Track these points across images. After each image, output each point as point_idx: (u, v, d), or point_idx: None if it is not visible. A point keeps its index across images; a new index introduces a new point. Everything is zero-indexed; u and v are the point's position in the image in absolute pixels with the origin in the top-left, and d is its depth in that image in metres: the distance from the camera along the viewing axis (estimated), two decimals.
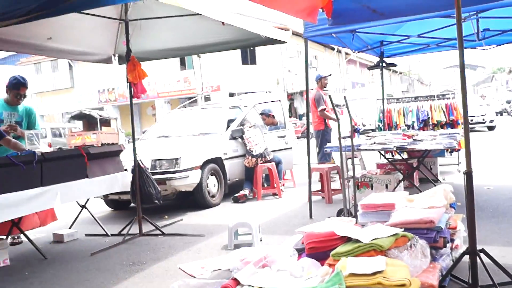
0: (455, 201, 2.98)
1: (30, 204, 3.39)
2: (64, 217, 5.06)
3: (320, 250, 2.69)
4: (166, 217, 5.36)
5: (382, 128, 7.14)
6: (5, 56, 27.63)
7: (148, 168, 5.11)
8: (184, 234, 4.38)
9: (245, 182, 6.34)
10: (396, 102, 7.26)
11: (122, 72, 4.57)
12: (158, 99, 24.33)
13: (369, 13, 3.71)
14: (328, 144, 6.02)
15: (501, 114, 28.35)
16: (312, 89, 7.27)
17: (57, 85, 27.46)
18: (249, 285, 2.42)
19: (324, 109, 6.72)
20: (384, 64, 6.88)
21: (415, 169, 5.33)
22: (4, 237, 4.02)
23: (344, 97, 3.99)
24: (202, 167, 5.68)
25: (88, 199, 4.63)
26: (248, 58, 23.93)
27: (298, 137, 17.76)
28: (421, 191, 3.20)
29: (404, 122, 6.95)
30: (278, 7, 3.16)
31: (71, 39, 4.59)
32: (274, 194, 6.33)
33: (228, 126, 6.47)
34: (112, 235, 4.51)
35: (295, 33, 20.46)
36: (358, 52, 6.53)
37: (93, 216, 4.73)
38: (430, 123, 6.77)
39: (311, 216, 4.72)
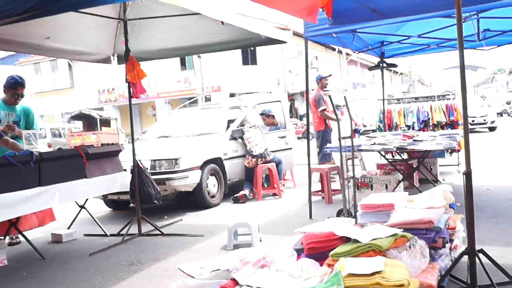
0: (454, 201, 2.98)
1: (28, 204, 3.37)
2: (63, 217, 5.06)
3: (319, 250, 2.69)
4: (166, 217, 5.35)
5: (383, 128, 7.13)
6: (4, 56, 27.63)
7: (147, 168, 5.10)
8: (183, 234, 4.37)
9: (245, 183, 6.33)
10: (397, 103, 7.25)
11: (122, 72, 4.56)
12: (158, 99, 24.34)
13: (369, 13, 3.70)
14: (328, 145, 6.02)
15: (501, 115, 28.35)
16: (312, 90, 7.27)
17: (56, 85, 27.45)
18: (248, 285, 2.42)
19: (325, 109, 6.71)
20: (384, 65, 6.87)
21: (415, 170, 5.32)
22: (2, 237, 4.01)
23: (344, 97, 3.98)
24: (202, 167, 5.67)
25: (87, 199, 4.62)
26: (249, 58, 23.92)
27: (298, 138, 17.76)
28: (421, 192, 3.20)
29: (405, 122, 6.95)
30: (277, 6, 3.15)
31: (70, 39, 4.58)
32: (274, 194, 6.32)
33: (228, 127, 6.46)
34: (111, 235, 4.50)
35: (296, 34, 20.50)
36: (359, 52, 6.52)
37: (92, 216, 4.72)
38: (430, 123, 6.76)
39: (311, 217, 4.71)
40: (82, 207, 4.72)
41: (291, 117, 22.43)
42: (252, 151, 6.27)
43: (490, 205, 4.61)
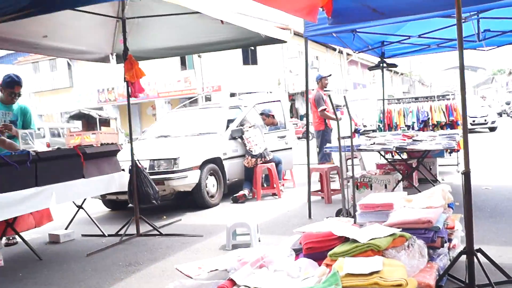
0: (453, 201, 2.97)
1: (24, 204, 3.35)
2: (61, 217, 5.04)
3: (317, 250, 2.68)
4: (165, 217, 5.33)
5: (382, 128, 7.12)
6: (2, 55, 27.59)
7: (146, 168, 5.09)
8: (182, 235, 4.35)
9: (245, 182, 6.31)
10: (397, 103, 7.24)
11: (122, 71, 4.54)
12: (158, 99, 24.31)
13: (369, 13, 3.68)
14: (328, 145, 6.00)
15: (501, 116, 28.36)
16: (313, 90, 7.25)
17: (55, 85, 27.40)
18: (245, 286, 2.40)
19: (325, 109, 6.70)
20: (384, 65, 6.86)
21: (414, 169, 5.31)
22: None
23: (344, 97, 3.96)
24: (201, 167, 5.65)
25: (84, 200, 4.60)
26: (249, 58, 23.90)
27: (299, 138, 17.73)
28: (420, 191, 3.19)
29: (404, 122, 6.93)
30: (277, 5, 3.14)
31: (68, 37, 4.56)
32: (274, 194, 6.30)
33: (227, 126, 6.44)
34: (109, 235, 4.48)
35: (296, 33, 20.49)
36: (359, 52, 6.51)
37: (89, 216, 4.70)
38: (430, 123, 6.75)
39: (310, 216, 4.69)
40: (80, 207, 4.70)
41: (291, 117, 22.43)
42: (251, 151, 6.26)
43: (489, 205, 4.60)
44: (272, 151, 6.50)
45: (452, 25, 5.02)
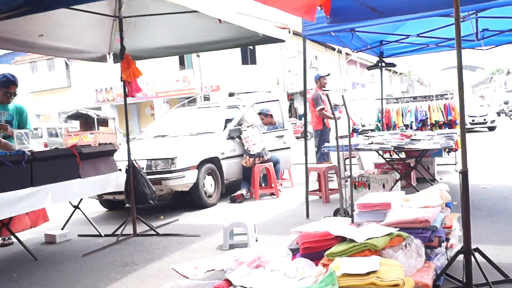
0: (451, 200, 2.96)
1: (19, 204, 3.32)
2: (57, 217, 5.01)
3: (314, 250, 2.67)
4: (162, 217, 5.31)
5: (381, 128, 7.11)
6: None
7: (143, 168, 5.07)
8: (179, 235, 4.33)
9: (243, 182, 6.29)
10: (395, 102, 7.23)
11: (119, 71, 4.51)
12: (156, 98, 24.29)
13: (367, 11, 3.67)
14: (326, 144, 5.98)
15: (499, 115, 28.38)
16: (311, 89, 7.23)
17: (53, 84, 27.33)
18: (241, 286, 2.38)
19: (323, 108, 6.68)
20: (383, 64, 6.84)
21: (412, 169, 5.30)
22: None
23: (342, 96, 3.95)
24: (199, 167, 5.63)
25: (81, 200, 4.57)
26: (248, 58, 23.88)
27: (297, 137, 17.72)
28: (418, 191, 3.17)
29: (403, 122, 6.92)
30: (275, 4, 3.11)
31: (64, 37, 4.54)
32: (272, 194, 6.28)
33: (225, 126, 6.42)
34: (105, 235, 4.45)
35: (295, 33, 20.44)
36: (358, 51, 6.49)
37: (86, 217, 4.67)
38: (428, 123, 6.74)
39: (308, 216, 4.67)
40: (76, 207, 4.67)
41: (290, 117, 22.40)
42: (249, 151, 6.24)
43: (486, 204, 4.59)
44: (270, 151, 6.48)
45: (450, 24, 5.01)
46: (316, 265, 2.50)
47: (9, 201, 3.25)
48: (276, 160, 6.45)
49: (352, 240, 2.43)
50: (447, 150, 6.46)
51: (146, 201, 4.50)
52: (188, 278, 3.05)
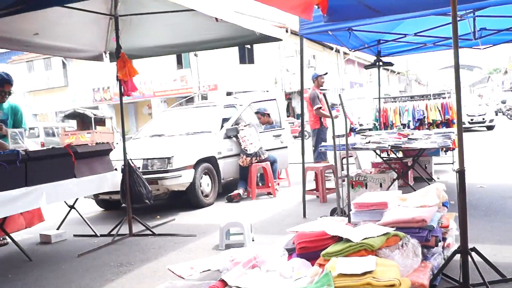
0: (447, 199, 2.95)
1: (13, 204, 3.29)
2: (53, 217, 4.98)
3: (311, 250, 2.65)
4: (158, 217, 5.28)
5: (378, 127, 7.09)
6: None
7: (139, 168, 5.04)
8: (175, 234, 4.31)
9: (240, 182, 6.27)
10: (393, 102, 7.23)
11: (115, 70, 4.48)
12: (154, 98, 24.22)
13: (365, 10, 3.65)
14: (323, 143, 5.96)
15: (496, 114, 28.44)
16: (309, 89, 7.22)
17: (50, 84, 27.20)
18: (237, 287, 2.36)
19: (320, 107, 6.67)
20: (381, 63, 6.83)
21: (409, 168, 5.29)
22: None
23: (339, 95, 3.92)
24: (195, 166, 5.61)
25: (76, 199, 4.54)
26: (246, 57, 23.84)
27: (295, 137, 17.71)
28: (415, 190, 3.16)
29: (400, 121, 6.91)
30: (272, 3, 3.10)
31: (60, 35, 4.49)
32: (269, 193, 6.26)
33: (222, 125, 6.39)
34: (101, 235, 4.42)
35: (293, 32, 20.41)
36: (355, 50, 6.48)
37: (81, 217, 4.64)
38: (426, 122, 6.73)
39: (304, 215, 4.66)
40: (71, 207, 4.64)
41: (288, 116, 22.39)
42: (246, 150, 6.21)
43: (483, 203, 4.59)
44: (267, 150, 6.46)
45: (448, 23, 5.00)
46: (312, 265, 2.48)
47: (3, 201, 3.21)
48: (273, 159, 6.43)
49: (348, 240, 2.41)
50: (444, 149, 6.46)
51: (142, 201, 4.48)
52: (183, 278, 3.01)
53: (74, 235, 4.61)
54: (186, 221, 5.00)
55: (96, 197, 5.48)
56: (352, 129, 7.68)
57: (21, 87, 27.08)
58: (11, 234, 3.98)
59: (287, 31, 21.37)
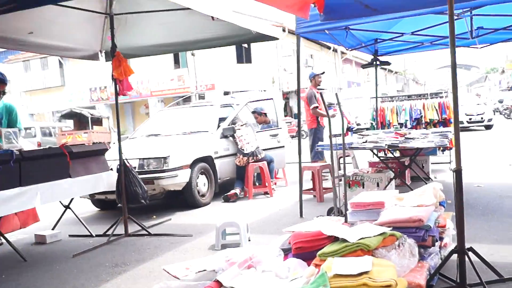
0: (444, 199, 2.94)
1: (7, 205, 3.27)
2: (48, 217, 4.94)
3: (307, 250, 2.63)
4: (154, 217, 5.25)
5: (375, 126, 7.09)
6: None
7: (135, 167, 5.01)
8: (171, 234, 4.28)
9: (236, 181, 6.25)
10: (390, 101, 7.22)
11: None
12: (151, 97, 24.14)
13: (361, 9, 3.64)
14: (320, 143, 5.95)
15: (494, 114, 28.51)
16: (306, 88, 7.20)
17: (47, 83, 27.05)
18: (232, 287, 2.34)
19: (317, 107, 6.65)
20: (378, 62, 6.82)
21: (406, 167, 5.29)
22: None
23: (336, 94, 3.91)
24: (192, 166, 5.58)
25: (72, 199, 4.51)
26: (243, 56, 23.80)
27: (292, 136, 17.68)
28: (412, 190, 3.14)
29: (397, 120, 6.91)
30: (268, 1, 3.07)
31: (54, 34, 4.45)
32: (266, 193, 6.24)
33: (219, 125, 6.37)
34: (96, 235, 4.39)
35: (291, 32, 20.39)
36: (352, 49, 6.46)
37: (77, 217, 4.61)
38: (423, 121, 6.73)
39: (301, 215, 4.64)
40: (67, 207, 4.60)
41: (285, 116, 22.37)
42: (243, 150, 6.19)
43: (481, 203, 4.58)
44: (264, 150, 6.44)
45: (445, 22, 4.99)
46: (308, 265, 2.46)
47: None
48: (270, 159, 6.41)
49: (344, 240, 2.39)
50: (441, 148, 6.46)
51: (137, 201, 4.45)
52: (178, 278, 3.00)
53: (70, 235, 4.58)
54: (183, 221, 4.97)
55: (92, 197, 5.44)
56: (349, 129, 7.67)
57: (18, 86, 26.96)
58: (5, 235, 3.94)
59: (284, 31, 21.35)
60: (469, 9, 4.55)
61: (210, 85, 22.88)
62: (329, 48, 28.74)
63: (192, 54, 20.81)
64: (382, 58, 6.88)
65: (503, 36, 5.85)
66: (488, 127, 16.63)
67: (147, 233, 4.34)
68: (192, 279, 2.94)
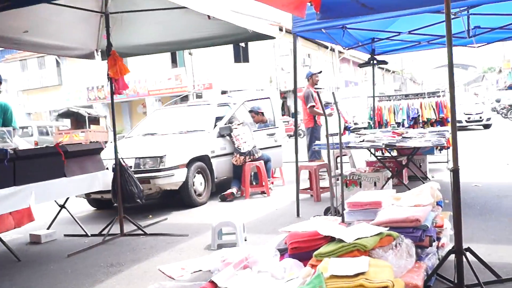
0: (442, 198, 2.92)
1: (1, 204, 3.23)
2: (43, 217, 4.91)
3: (303, 250, 2.61)
4: (151, 216, 5.22)
5: (373, 126, 7.08)
6: None
7: (131, 167, 4.98)
8: (167, 234, 4.25)
9: (233, 181, 6.23)
10: (387, 100, 7.21)
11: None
12: (148, 97, 24.08)
13: (358, 7, 3.62)
14: (317, 142, 5.93)
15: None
16: (303, 87, 7.18)
17: (44, 83, 26.95)
18: None
19: (313, 106, 6.63)
20: (375, 62, 6.80)
21: (404, 167, 5.28)
22: None
23: (333, 93, 3.88)
24: (188, 165, 5.55)
25: (67, 199, 4.47)
26: (241, 56, 23.76)
27: (290, 136, 17.67)
28: (409, 189, 3.13)
29: (395, 119, 6.90)
30: (264, 0, 3.05)
31: (50, 33, 4.41)
32: (263, 192, 6.22)
33: (216, 124, 6.34)
34: (92, 235, 4.36)
35: (288, 31, 20.37)
36: (349, 49, 6.44)
37: (72, 216, 4.57)
38: (420, 120, 6.72)
39: (298, 215, 4.62)
40: (62, 206, 4.57)
41: (283, 115, 22.33)
42: (240, 149, 6.17)
43: (478, 202, 4.57)
44: (261, 149, 6.42)
45: (442, 21, 4.95)
46: (305, 265, 2.44)
47: None
48: (267, 158, 6.39)
49: (341, 240, 2.37)
50: (439, 148, 6.45)
51: (133, 200, 4.42)
52: (173, 279, 2.97)
53: (65, 235, 4.54)
54: (179, 221, 4.95)
55: (87, 196, 5.41)
56: (346, 128, 7.66)
57: (15, 86, 26.83)
58: (0, 234, 3.91)
59: (281, 30, 21.32)
60: (466, 8, 4.54)
61: (207, 84, 22.84)
62: (326, 47, 28.74)
63: (190, 53, 20.78)
64: (379, 57, 6.86)
65: (500, 35, 5.84)
66: (486, 126, 16.64)
67: (142, 232, 4.32)
68: (187, 280, 2.92)
